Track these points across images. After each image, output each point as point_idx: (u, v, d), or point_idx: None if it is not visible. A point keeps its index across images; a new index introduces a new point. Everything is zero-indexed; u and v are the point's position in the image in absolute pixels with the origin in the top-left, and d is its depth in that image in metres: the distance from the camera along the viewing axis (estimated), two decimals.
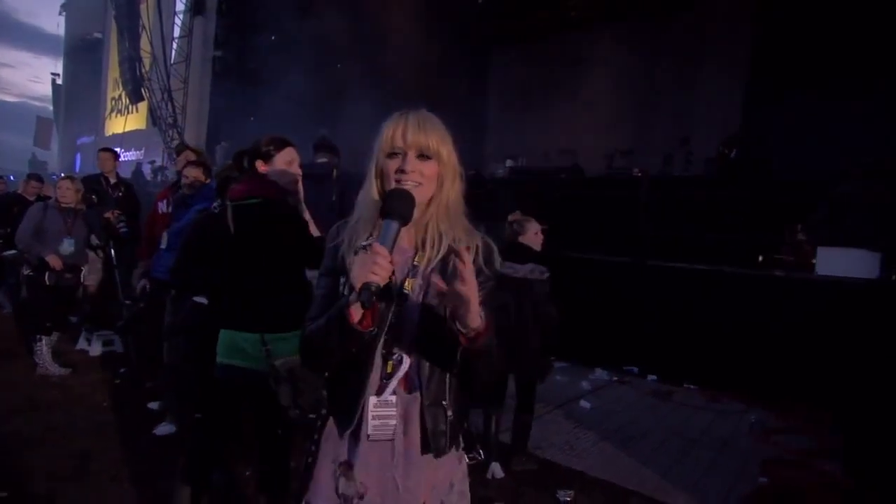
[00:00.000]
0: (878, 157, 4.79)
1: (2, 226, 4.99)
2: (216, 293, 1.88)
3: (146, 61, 12.44)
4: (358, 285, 0.85)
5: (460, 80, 9.89)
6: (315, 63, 9.42)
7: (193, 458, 1.88)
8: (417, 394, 0.99)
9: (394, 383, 0.98)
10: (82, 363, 4.11)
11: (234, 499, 2.32)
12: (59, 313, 3.97)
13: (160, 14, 11.79)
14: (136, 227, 4.14)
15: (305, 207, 1.93)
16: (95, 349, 4.36)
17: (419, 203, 0.97)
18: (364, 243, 0.93)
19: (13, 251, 4.22)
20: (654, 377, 4.51)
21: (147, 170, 12.09)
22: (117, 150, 5.60)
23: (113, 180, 4.52)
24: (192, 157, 3.25)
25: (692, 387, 4.30)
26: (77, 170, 18.00)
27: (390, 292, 0.92)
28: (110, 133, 17.34)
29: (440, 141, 0.99)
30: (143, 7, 12.38)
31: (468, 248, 0.98)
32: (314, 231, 1.90)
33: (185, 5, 12.09)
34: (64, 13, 23.12)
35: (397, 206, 0.91)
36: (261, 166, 1.83)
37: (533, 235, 2.71)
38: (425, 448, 1.00)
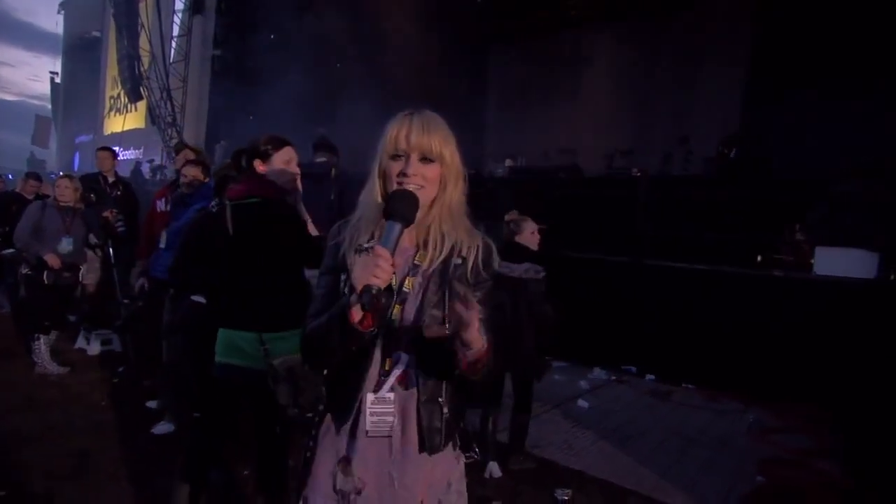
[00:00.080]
0: (877, 157, 4.80)
1: (0, 224, 4.98)
2: (214, 292, 1.88)
3: (145, 60, 12.42)
4: (359, 287, 0.85)
5: (459, 80, 9.87)
6: (314, 62, 9.41)
7: (192, 456, 1.89)
8: (414, 390, 1.00)
9: (391, 380, 0.99)
10: (81, 362, 4.11)
11: (233, 497, 2.32)
12: (58, 312, 3.97)
13: (159, 13, 11.77)
14: (134, 226, 4.14)
15: (304, 207, 1.93)
16: (94, 348, 4.36)
17: (422, 204, 0.97)
18: (367, 245, 0.93)
19: (11, 250, 4.21)
20: (653, 377, 4.52)
21: (146, 169, 12.08)
22: (116, 149, 5.60)
23: (111, 179, 4.52)
24: (191, 155, 3.24)
25: (690, 386, 4.31)
26: (76, 169, 17.97)
27: (390, 291, 0.93)
28: (109, 132, 17.32)
29: (443, 143, 0.99)
30: (141, 6, 12.36)
31: (469, 249, 0.98)
32: (312, 230, 1.90)
33: (185, 4, 12.08)
34: (62, 12, 23.06)
35: (401, 207, 0.92)
36: (259, 166, 1.83)
37: (529, 235, 2.72)
38: (421, 445, 1.00)
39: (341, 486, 1.00)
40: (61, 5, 22.91)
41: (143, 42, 12.48)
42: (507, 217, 2.78)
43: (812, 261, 4.21)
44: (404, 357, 1.00)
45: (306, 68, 9.05)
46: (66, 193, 3.89)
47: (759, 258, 4.57)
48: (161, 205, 3.31)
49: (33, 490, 2.29)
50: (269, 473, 1.84)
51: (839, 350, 3.68)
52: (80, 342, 4.46)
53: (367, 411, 0.99)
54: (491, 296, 1.05)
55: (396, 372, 0.99)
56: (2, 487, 2.28)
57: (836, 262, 4.04)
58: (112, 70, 16.27)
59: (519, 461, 2.75)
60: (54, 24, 24.25)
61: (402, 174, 0.97)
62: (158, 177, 10.79)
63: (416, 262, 1.01)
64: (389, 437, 1.00)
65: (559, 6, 9.48)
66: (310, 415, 1.13)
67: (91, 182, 4.39)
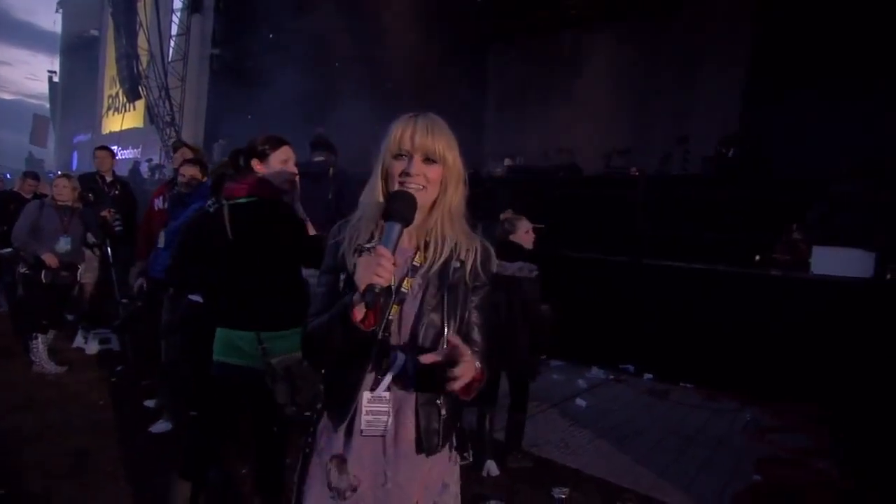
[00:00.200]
0: (876, 157, 4.81)
1: None
2: (212, 292, 1.88)
3: (143, 59, 12.40)
4: (362, 286, 0.87)
5: (459, 79, 9.87)
6: (313, 61, 9.40)
7: (190, 455, 1.89)
8: (412, 391, 1.01)
9: (387, 380, 1.00)
10: (79, 361, 4.11)
11: (231, 496, 2.33)
12: (56, 311, 3.96)
13: (157, 12, 11.75)
14: (132, 226, 4.13)
15: (301, 206, 1.93)
16: (92, 347, 4.36)
17: (422, 206, 0.98)
18: (368, 245, 0.94)
19: (9, 249, 4.21)
20: (651, 376, 4.53)
21: (144, 168, 12.07)
22: (114, 148, 5.60)
23: (109, 179, 4.52)
24: (189, 154, 3.24)
25: (688, 385, 4.32)
26: (74, 168, 17.95)
27: (389, 291, 0.94)
28: (107, 131, 17.29)
29: (447, 146, 1.01)
30: (140, 5, 12.33)
31: (468, 251, 1.01)
32: (311, 230, 1.91)
33: (183, 3, 12.06)
34: (61, 10, 23.01)
35: (399, 208, 0.93)
36: (256, 165, 1.83)
37: (523, 234, 2.72)
38: (418, 446, 1.01)
39: (336, 484, 1.01)
40: (59, 4, 22.85)
41: (142, 41, 12.47)
42: (501, 216, 2.80)
43: (809, 260, 4.22)
44: (401, 357, 1.00)
45: (305, 68, 9.04)
46: (64, 193, 3.89)
47: (757, 258, 4.58)
48: (159, 203, 3.31)
49: (32, 489, 2.30)
50: (267, 472, 1.85)
51: (837, 349, 3.69)
52: (79, 341, 4.45)
53: (363, 410, 1.00)
54: (488, 299, 1.07)
55: (393, 372, 1.00)
56: (0, 486, 2.28)
57: (833, 262, 4.05)
58: (110, 69, 16.25)
59: (516, 460, 2.75)
60: (52, 22, 24.21)
61: (405, 173, 0.98)
62: (157, 176, 10.78)
63: (414, 263, 1.02)
64: (384, 436, 1.01)
65: (559, 6, 9.49)
66: (307, 413, 1.14)
67: (89, 181, 4.39)
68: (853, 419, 3.43)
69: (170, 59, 12.08)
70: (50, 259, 3.73)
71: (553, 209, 5.85)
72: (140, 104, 13.75)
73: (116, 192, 4.48)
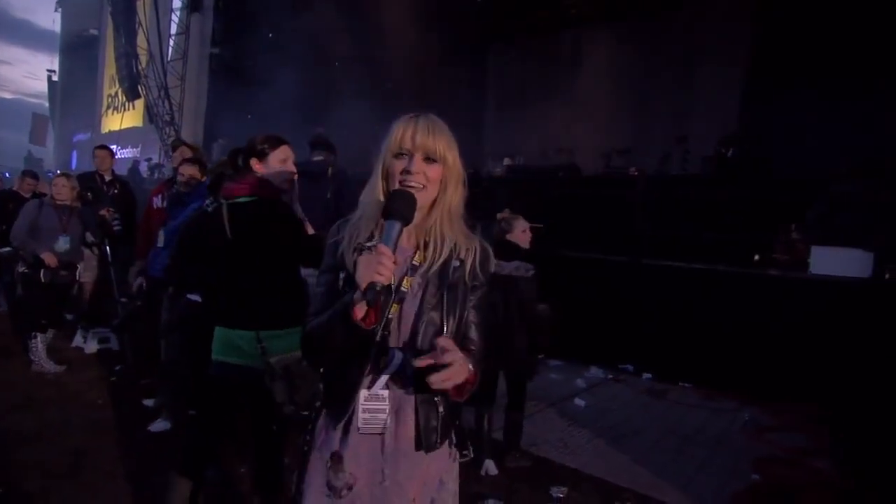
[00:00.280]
0: (875, 157, 4.82)
1: None
2: (211, 291, 1.89)
3: (143, 58, 12.41)
4: (364, 285, 0.87)
5: (459, 79, 9.88)
6: (313, 61, 9.41)
7: (189, 454, 1.89)
8: (412, 389, 1.01)
9: (385, 378, 1.01)
10: (78, 360, 4.11)
11: (229, 495, 2.33)
12: (55, 310, 3.96)
13: (157, 11, 11.76)
14: (132, 225, 4.13)
15: (299, 206, 1.94)
16: (91, 346, 4.36)
17: (422, 205, 0.99)
18: (369, 244, 0.95)
19: (8, 248, 4.20)
20: (649, 375, 4.53)
21: (143, 168, 12.07)
22: (113, 147, 5.59)
23: (108, 178, 4.52)
24: (188, 153, 3.24)
25: (687, 385, 4.33)
26: (73, 167, 17.94)
27: (389, 289, 0.95)
28: (107, 130, 17.30)
29: (447, 146, 1.02)
30: (139, 4, 12.33)
31: (467, 250, 1.02)
32: (309, 229, 1.91)
33: (182, 2, 12.07)
34: (60, 9, 23.00)
35: (399, 206, 0.94)
36: (255, 164, 1.83)
37: (520, 233, 2.73)
38: (417, 443, 1.02)
39: (333, 482, 1.01)
40: (58, 3, 22.85)
41: (141, 40, 12.46)
42: (499, 216, 2.81)
43: (808, 260, 4.23)
44: (400, 355, 1.01)
45: (305, 67, 9.04)
46: (63, 192, 3.89)
47: (756, 258, 4.59)
48: (157, 201, 3.31)
49: (31, 488, 2.30)
50: (266, 471, 1.85)
51: (835, 349, 3.69)
52: (78, 340, 4.45)
53: (360, 408, 1.00)
54: (486, 299, 1.08)
55: (392, 370, 1.01)
56: None
57: (831, 262, 4.05)
58: (110, 68, 16.25)
59: (514, 459, 2.76)
60: (52, 21, 24.22)
61: (406, 172, 0.99)
62: (156, 175, 10.78)
63: (414, 262, 1.03)
64: (382, 434, 1.01)
65: (559, 6, 9.49)
66: (306, 412, 1.15)
67: (87, 181, 4.38)
68: (852, 419, 3.43)
69: (169, 59, 12.09)
70: (49, 258, 3.73)
71: (552, 209, 5.85)
72: (139, 103, 13.76)
73: (115, 191, 4.48)
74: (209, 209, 1.85)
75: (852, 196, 4.45)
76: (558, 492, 2.51)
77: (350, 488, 1.01)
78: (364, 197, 1.07)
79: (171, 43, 12.47)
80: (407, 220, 0.94)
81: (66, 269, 3.84)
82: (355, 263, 0.94)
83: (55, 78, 23.78)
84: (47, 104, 25.40)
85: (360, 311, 0.89)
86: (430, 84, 9.12)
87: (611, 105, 9.10)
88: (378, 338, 0.99)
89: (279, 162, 1.84)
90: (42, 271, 3.74)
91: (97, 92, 18.41)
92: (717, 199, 5.31)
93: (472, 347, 1.03)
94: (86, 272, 4.25)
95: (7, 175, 11.72)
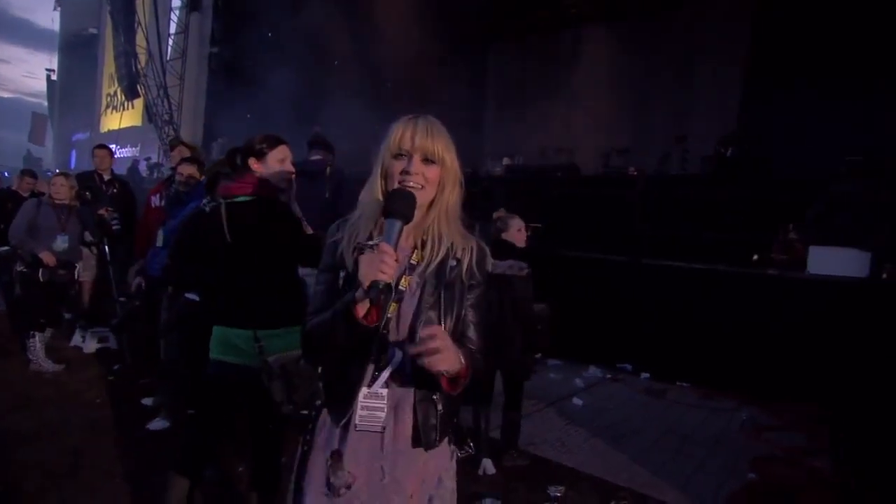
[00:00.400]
0: (874, 157, 4.82)
1: None
2: (209, 290, 1.89)
3: (142, 57, 12.40)
4: (366, 283, 0.88)
5: (458, 79, 9.88)
6: (312, 60, 9.40)
7: (187, 453, 1.89)
8: (411, 387, 1.02)
9: (385, 376, 1.02)
10: (76, 360, 4.11)
11: (227, 494, 2.33)
12: (53, 310, 3.96)
13: (156, 10, 11.75)
14: (131, 224, 4.13)
15: (297, 205, 1.94)
16: (89, 346, 4.36)
17: (420, 205, 1.01)
18: (371, 243, 0.96)
19: (6, 247, 4.20)
20: (648, 375, 4.54)
21: (143, 167, 12.06)
22: (113, 146, 5.59)
23: (107, 177, 4.52)
24: (186, 152, 3.24)
25: (685, 384, 4.33)
26: (72, 166, 17.93)
27: (389, 288, 0.96)
28: (106, 129, 17.29)
29: (445, 147, 1.03)
30: (138, 3, 12.32)
31: (464, 250, 1.04)
32: (306, 229, 1.91)
33: (182, 1, 12.06)
34: (59, 8, 22.97)
35: (400, 205, 0.95)
36: (254, 164, 1.83)
37: (516, 232, 2.73)
38: (416, 441, 1.03)
39: (332, 481, 1.02)
40: (58, 2, 22.82)
41: (140, 39, 12.46)
42: (495, 215, 2.81)
43: (806, 260, 4.23)
44: (399, 354, 1.02)
45: (304, 66, 9.04)
46: (62, 191, 3.88)
47: (755, 257, 4.59)
48: (156, 201, 3.31)
49: (29, 487, 2.30)
50: (264, 470, 1.85)
51: (833, 349, 3.70)
52: (76, 340, 4.45)
53: (359, 406, 1.01)
54: (483, 298, 1.09)
55: (391, 368, 1.02)
56: None
57: (829, 262, 4.06)
58: (109, 67, 16.24)
59: (512, 458, 2.76)
60: (50, 20, 24.23)
61: (405, 172, 1.00)
62: (155, 175, 10.78)
63: (412, 261, 1.04)
64: (381, 432, 1.02)
65: (558, 6, 9.49)
66: (304, 411, 1.15)
67: (86, 180, 4.38)
68: (851, 418, 3.44)
69: (168, 58, 12.08)
70: (47, 257, 3.73)
71: (551, 209, 5.86)
72: (138, 103, 13.75)
73: (114, 190, 4.48)
74: (206, 209, 1.85)
75: (850, 196, 4.46)
76: (556, 491, 2.52)
77: (349, 487, 1.01)
78: (363, 196, 1.08)
79: (171, 42, 12.47)
80: (407, 219, 0.96)
81: (64, 268, 3.84)
82: (356, 262, 0.95)
83: (54, 77, 23.78)
84: (46, 103, 25.40)
85: (361, 308, 0.91)
86: (429, 83, 9.12)
87: (610, 105, 9.10)
88: (377, 336, 1.00)
89: (277, 162, 1.84)
90: (40, 270, 3.74)
91: (96, 91, 18.40)
92: (717, 199, 5.32)
93: (471, 347, 1.04)
94: (85, 271, 4.25)
95: (6, 174, 11.71)
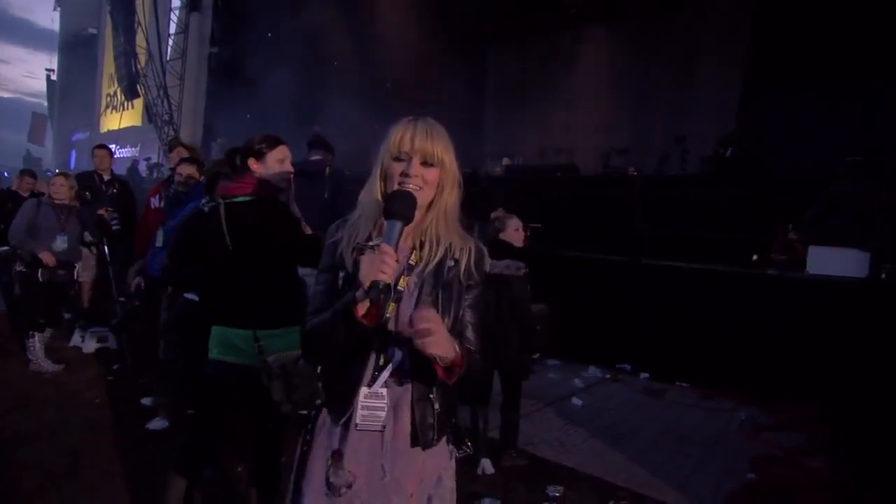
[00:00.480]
0: (873, 157, 4.83)
1: None
2: (208, 290, 1.89)
3: (142, 58, 12.40)
4: (367, 283, 0.89)
5: (457, 79, 9.88)
6: (311, 60, 9.41)
7: (186, 453, 1.89)
8: (408, 386, 1.03)
9: (385, 376, 1.02)
10: (76, 360, 4.11)
11: (226, 494, 2.33)
12: (53, 310, 3.96)
13: (156, 10, 11.75)
14: (131, 224, 4.14)
15: (296, 205, 1.94)
16: (89, 346, 4.36)
17: (419, 206, 1.02)
18: (372, 243, 0.97)
19: (6, 247, 4.20)
20: (647, 375, 4.54)
21: (143, 167, 12.06)
22: (112, 146, 5.59)
23: (107, 177, 4.52)
24: (185, 152, 3.24)
25: (684, 384, 4.33)
26: (72, 166, 17.93)
27: (388, 288, 0.97)
28: (105, 129, 17.29)
29: (444, 150, 1.04)
30: (138, 3, 12.33)
31: (462, 251, 1.05)
32: (305, 229, 1.91)
33: (181, 1, 12.07)
34: (59, 8, 22.98)
35: (400, 207, 0.96)
36: (253, 164, 1.83)
37: (513, 232, 2.73)
38: (414, 440, 1.03)
39: (332, 480, 1.02)
40: (57, 2, 22.83)
41: (140, 39, 12.46)
42: (493, 215, 2.81)
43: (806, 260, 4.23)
44: (398, 354, 1.02)
45: (303, 67, 9.05)
46: (62, 191, 3.89)
47: (754, 258, 4.60)
48: (155, 201, 3.32)
49: (29, 488, 2.30)
50: (263, 470, 1.86)
51: (833, 349, 3.70)
52: (76, 340, 4.45)
53: (359, 405, 1.02)
54: (481, 299, 1.10)
55: (390, 368, 1.02)
56: None
57: (828, 262, 4.06)
58: (109, 67, 16.24)
59: (511, 458, 2.76)
60: (50, 20, 24.23)
61: (404, 174, 1.01)
62: (155, 175, 10.79)
63: (410, 262, 1.05)
64: (381, 431, 1.02)
65: (558, 6, 9.49)
66: (303, 412, 1.15)
67: (86, 180, 4.39)
68: (851, 418, 3.44)
69: (168, 58, 12.09)
70: (47, 257, 3.73)
71: (551, 209, 5.87)
72: (138, 103, 13.76)
73: (114, 190, 4.48)
74: (205, 209, 1.85)
75: (849, 196, 4.46)
76: (555, 491, 2.52)
77: (350, 486, 1.02)
78: (362, 197, 1.09)
79: (170, 42, 12.47)
80: (408, 220, 0.96)
81: (63, 268, 3.84)
82: (356, 263, 0.95)
83: (54, 77, 23.78)
84: (46, 103, 25.41)
85: (361, 308, 0.91)
86: (429, 84, 9.12)
87: (610, 105, 9.11)
88: (376, 336, 1.01)
89: (277, 162, 1.84)
90: (40, 270, 3.74)
91: (96, 91, 18.41)
92: (716, 199, 5.32)
93: (470, 347, 1.04)
94: (84, 271, 4.25)
95: (6, 174, 11.71)
